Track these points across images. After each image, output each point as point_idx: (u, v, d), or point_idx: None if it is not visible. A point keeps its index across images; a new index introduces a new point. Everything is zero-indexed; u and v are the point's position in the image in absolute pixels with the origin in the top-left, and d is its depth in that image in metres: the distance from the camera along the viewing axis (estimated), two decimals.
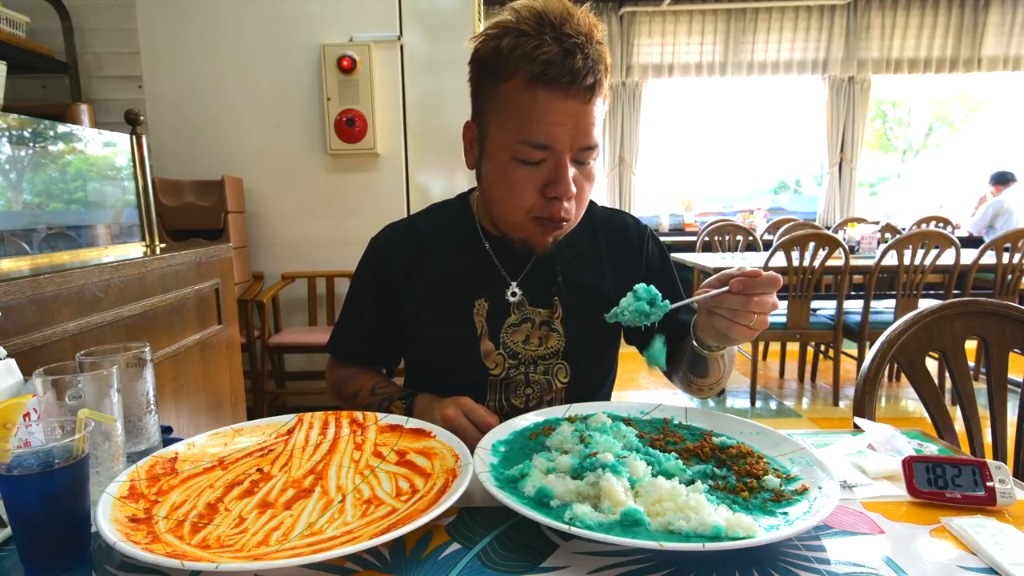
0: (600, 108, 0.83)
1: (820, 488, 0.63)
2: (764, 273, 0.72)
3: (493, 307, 0.97)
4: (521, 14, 0.81)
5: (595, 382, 1.04)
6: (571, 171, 0.83)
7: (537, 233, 0.89)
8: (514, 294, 0.98)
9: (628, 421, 0.82)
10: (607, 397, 1.08)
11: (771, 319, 0.78)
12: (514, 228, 0.91)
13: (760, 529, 0.56)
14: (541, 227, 0.88)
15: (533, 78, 0.78)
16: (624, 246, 1.03)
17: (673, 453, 0.72)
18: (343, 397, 1.05)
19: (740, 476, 0.68)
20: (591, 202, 1.06)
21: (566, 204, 0.85)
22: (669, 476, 0.66)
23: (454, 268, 0.99)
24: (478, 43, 0.86)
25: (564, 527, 0.56)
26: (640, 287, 0.78)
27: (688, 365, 0.94)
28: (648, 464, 0.68)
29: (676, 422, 0.84)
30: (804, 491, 0.64)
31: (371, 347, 1.06)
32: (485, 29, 0.85)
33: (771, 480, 0.66)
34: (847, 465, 0.75)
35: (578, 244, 1.00)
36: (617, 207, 5.84)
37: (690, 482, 0.66)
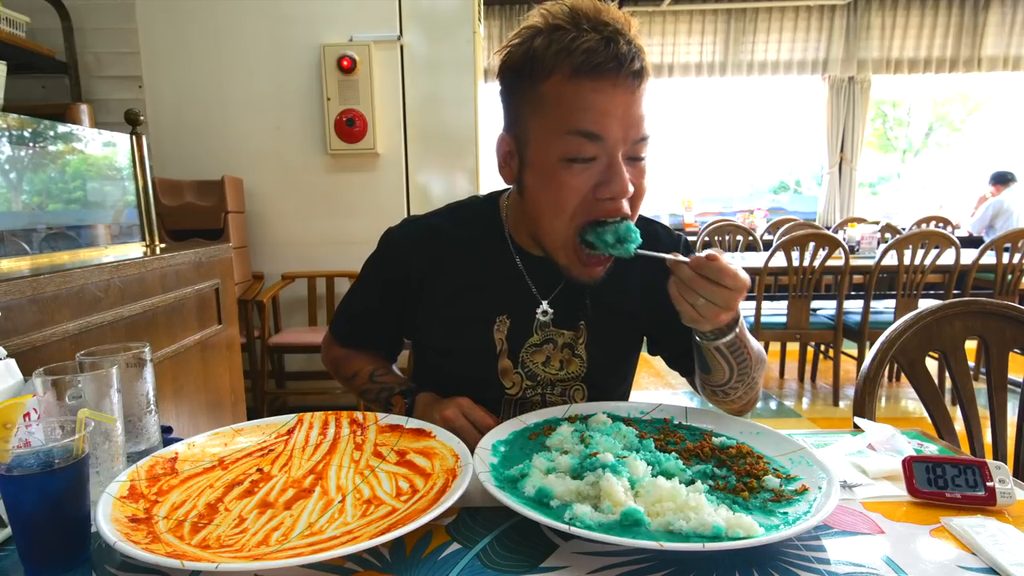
0: (649, 100, 0.78)
1: (820, 488, 0.63)
2: (722, 262, 0.69)
3: (516, 325, 0.93)
4: (551, 12, 0.77)
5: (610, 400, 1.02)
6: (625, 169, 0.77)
7: (580, 264, 0.82)
8: (545, 313, 0.92)
9: (628, 421, 0.82)
10: None
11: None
12: (559, 249, 0.83)
13: (760, 529, 0.56)
14: (583, 258, 0.81)
15: (576, 70, 0.74)
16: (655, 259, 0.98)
17: (673, 453, 0.72)
18: (340, 375, 1.05)
19: (740, 476, 0.68)
20: None
21: (621, 204, 0.78)
22: (669, 476, 0.66)
23: (478, 280, 0.94)
24: (505, 53, 0.81)
25: (564, 527, 0.56)
26: (625, 225, 0.77)
27: (697, 361, 0.90)
28: (648, 464, 0.68)
29: (676, 422, 0.84)
30: (804, 491, 0.64)
31: (375, 338, 1.05)
32: (510, 39, 0.81)
33: (771, 480, 0.66)
34: (847, 465, 0.75)
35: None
36: None
37: (690, 482, 0.66)
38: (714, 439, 0.77)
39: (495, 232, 0.95)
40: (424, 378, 1.04)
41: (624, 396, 1.06)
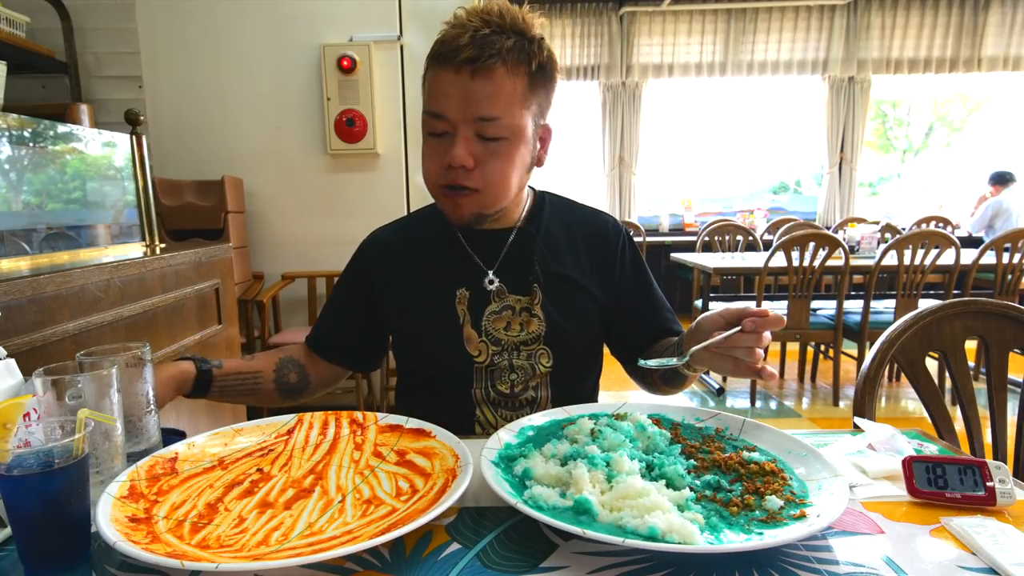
0: (505, 86, 0.88)
1: (818, 516, 0.59)
2: (771, 313, 0.75)
3: (474, 296, 1.01)
4: (456, 15, 0.92)
5: (580, 368, 1.06)
6: (468, 144, 0.90)
7: (448, 203, 0.96)
8: (491, 281, 1.01)
9: (677, 425, 0.82)
10: (596, 384, 1.11)
11: None
12: (436, 199, 0.98)
13: (700, 538, 0.55)
14: (447, 197, 0.94)
15: (431, 58, 0.91)
16: (602, 243, 1.07)
17: (693, 460, 0.72)
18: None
19: (746, 492, 0.66)
20: (572, 201, 1.12)
21: (463, 173, 0.91)
22: (670, 481, 0.66)
23: (435, 262, 1.04)
24: None
25: (564, 527, 0.56)
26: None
27: (664, 378, 1.01)
28: (651, 467, 0.69)
29: (728, 434, 0.81)
30: (801, 517, 0.60)
31: (344, 340, 1.09)
32: None
33: (773, 501, 0.63)
34: (847, 465, 0.75)
35: (555, 237, 1.05)
36: (617, 207, 5.87)
37: (688, 489, 0.65)
38: (745, 453, 0.73)
39: (445, 220, 1.05)
40: (402, 363, 1.10)
41: (595, 367, 1.10)
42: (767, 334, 0.76)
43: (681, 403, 0.91)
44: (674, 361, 0.82)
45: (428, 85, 0.92)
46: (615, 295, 1.06)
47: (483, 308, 1.00)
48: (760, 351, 0.76)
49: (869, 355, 1.07)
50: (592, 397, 1.09)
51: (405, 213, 3.04)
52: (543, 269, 1.02)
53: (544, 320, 1.00)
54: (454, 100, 0.88)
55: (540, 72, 0.91)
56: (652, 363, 0.82)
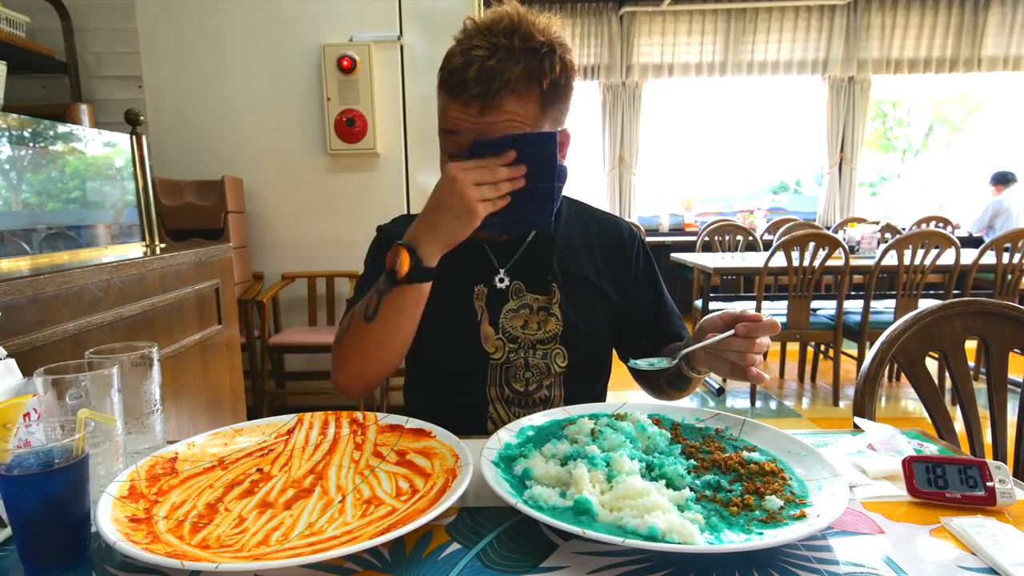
0: (516, 113, 0.86)
1: (818, 516, 0.59)
2: (765, 318, 0.77)
3: (492, 293, 1.01)
4: (465, 26, 0.90)
5: (593, 368, 1.07)
6: None
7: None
8: (501, 280, 1.01)
9: (677, 425, 0.82)
10: (605, 386, 1.11)
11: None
12: None
13: (700, 538, 0.55)
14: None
15: (441, 82, 0.91)
16: (617, 248, 1.08)
17: (693, 460, 0.72)
18: (348, 339, 0.94)
19: (746, 492, 0.66)
20: (588, 205, 1.13)
21: None
22: (670, 481, 0.66)
23: (454, 258, 1.00)
24: None
25: (564, 527, 0.56)
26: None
27: (669, 381, 1.00)
28: (651, 467, 0.69)
29: (728, 434, 0.81)
30: (801, 517, 0.60)
31: None
32: None
33: (772, 501, 0.63)
34: (847, 465, 0.75)
35: (573, 239, 1.05)
36: (617, 207, 5.87)
37: (688, 488, 0.65)
38: (745, 453, 0.73)
39: None
40: (416, 358, 1.07)
41: (606, 367, 1.11)
42: (763, 340, 0.77)
43: (681, 403, 0.91)
44: (664, 363, 0.83)
45: (440, 103, 0.93)
46: (628, 299, 1.07)
47: (501, 305, 1.00)
48: (755, 356, 0.78)
49: (869, 355, 1.07)
50: (601, 399, 1.09)
51: (405, 213, 3.05)
52: (561, 269, 1.02)
53: (561, 320, 1.00)
54: (466, 127, 0.89)
55: (552, 88, 0.87)
56: (641, 363, 0.84)
